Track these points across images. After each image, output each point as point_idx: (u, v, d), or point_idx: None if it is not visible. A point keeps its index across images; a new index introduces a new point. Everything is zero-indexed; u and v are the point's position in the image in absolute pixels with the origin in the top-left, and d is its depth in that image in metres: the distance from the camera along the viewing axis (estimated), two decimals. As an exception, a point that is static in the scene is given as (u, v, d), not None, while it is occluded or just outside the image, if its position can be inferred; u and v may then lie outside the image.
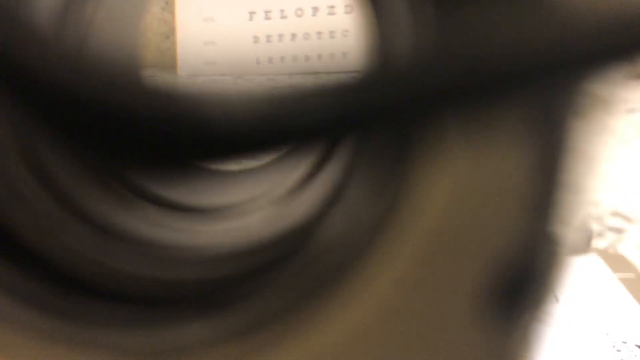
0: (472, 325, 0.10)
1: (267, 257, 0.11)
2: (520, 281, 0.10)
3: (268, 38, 0.55)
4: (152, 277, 0.11)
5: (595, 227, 0.27)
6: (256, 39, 0.55)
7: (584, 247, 0.23)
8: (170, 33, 0.59)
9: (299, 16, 0.55)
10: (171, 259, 0.12)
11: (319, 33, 0.54)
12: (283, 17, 0.55)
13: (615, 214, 0.28)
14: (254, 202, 0.15)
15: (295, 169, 0.16)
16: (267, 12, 0.55)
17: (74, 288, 0.11)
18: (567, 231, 0.10)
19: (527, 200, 0.09)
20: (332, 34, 0.54)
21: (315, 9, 0.54)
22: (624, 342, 0.19)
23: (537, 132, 0.09)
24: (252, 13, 0.55)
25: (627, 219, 0.28)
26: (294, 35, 0.55)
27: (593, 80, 0.09)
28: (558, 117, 0.09)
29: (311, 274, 0.10)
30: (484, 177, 0.09)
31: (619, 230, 0.27)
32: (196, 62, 0.56)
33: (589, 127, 0.09)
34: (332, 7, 0.54)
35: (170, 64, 0.58)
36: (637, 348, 0.19)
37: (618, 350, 0.19)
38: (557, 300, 0.20)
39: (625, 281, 0.22)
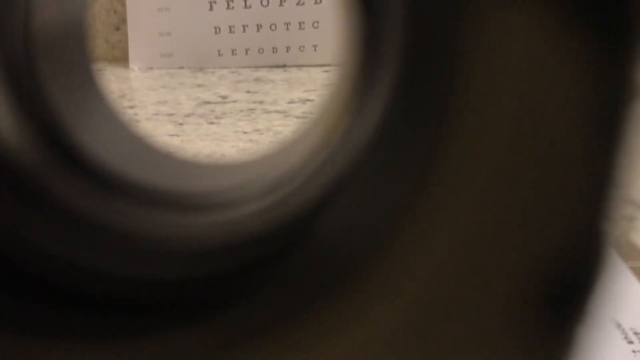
0: (513, 334, 0.09)
1: (260, 252, 0.10)
2: (570, 285, 0.09)
3: (231, 29, 0.54)
4: (130, 277, 0.10)
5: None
6: (217, 30, 0.54)
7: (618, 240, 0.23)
8: (120, 24, 0.57)
9: (264, 6, 0.53)
10: (152, 255, 0.11)
11: (287, 24, 0.53)
12: (247, 6, 0.53)
13: (628, 201, 0.28)
14: (247, 190, 0.13)
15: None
16: (228, 1, 0.53)
17: (38, 293, 0.10)
18: (613, 228, 0.09)
19: (582, 194, 0.09)
20: (301, 25, 0.53)
21: (282, -1, 0.53)
22: (636, 333, 0.19)
23: (604, 78, 0.08)
24: (212, 2, 0.53)
25: (639, 206, 0.27)
26: (259, 26, 0.53)
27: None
28: (630, 61, 0.08)
29: (312, 273, 0.09)
30: (536, 159, 0.08)
31: (631, 218, 0.26)
32: (150, 55, 0.54)
33: (636, 119, 0.08)
34: (300, -4, 0.52)
35: (121, 56, 0.57)
36: (649, 339, 0.18)
37: (630, 342, 0.18)
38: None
39: (636, 270, 0.21)
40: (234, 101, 0.45)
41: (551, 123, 0.08)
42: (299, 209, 0.10)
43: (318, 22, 0.52)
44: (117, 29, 0.58)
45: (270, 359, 0.09)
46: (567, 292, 0.09)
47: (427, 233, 0.09)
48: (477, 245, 0.09)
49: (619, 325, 0.19)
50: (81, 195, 0.12)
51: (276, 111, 0.43)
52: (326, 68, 0.50)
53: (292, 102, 0.44)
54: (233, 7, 0.53)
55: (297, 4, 0.52)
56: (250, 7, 0.53)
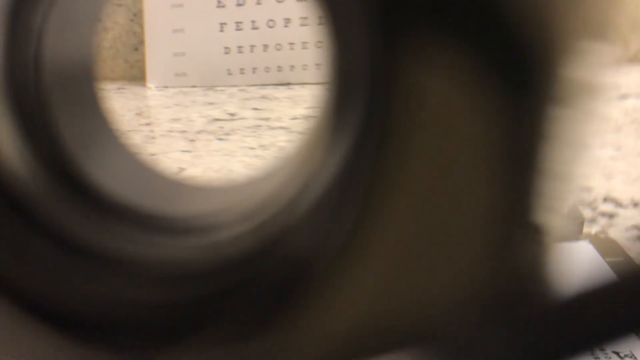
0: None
1: (236, 277, 0.11)
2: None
3: (239, 49, 0.55)
4: (106, 297, 0.11)
5: (587, 213, 0.27)
6: (227, 50, 0.55)
7: (576, 233, 0.23)
8: (139, 44, 0.59)
9: (270, 27, 0.54)
10: (131, 278, 0.11)
11: (291, 44, 0.54)
12: (254, 27, 0.54)
13: (607, 198, 0.29)
14: (226, 216, 0.14)
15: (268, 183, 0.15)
16: (238, 23, 0.54)
17: (30, 316, 0.10)
18: (556, 219, 0.09)
19: (503, 191, 0.09)
20: (304, 44, 0.54)
21: (287, 20, 0.54)
22: None
23: (510, 121, 0.09)
24: (222, 24, 0.55)
25: (618, 203, 0.28)
26: (265, 46, 0.54)
27: (576, 65, 0.09)
28: (534, 104, 0.09)
29: (281, 292, 0.10)
30: (454, 169, 0.09)
31: (610, 215, 0.27)
32: (166, 74, 0.55)
33: (574, 114, 0.09)
34: (304, 18, 0.53)
35: (139, 75, 0.58)
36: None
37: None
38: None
39: (614, 265, 0.22)
40: (242, 118, 0.46)
41: (469, 157, 0.09)
42: (273, 235, 0.11)
43: (321, 42, 0.52)
44: (136, 49, 0.59)
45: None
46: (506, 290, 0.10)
47: (373, 249, 0.10)
48: (415, 254, 0.10)
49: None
50: (77, 221, 0.12)
51: (280, 127, 0.44)
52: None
53: (295, 118, 0.45)
54: (242, 29, 0.54)
55: (301, 24, 0.54)
56: (258, 28, 0.54)
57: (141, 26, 0.57)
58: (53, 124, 0.12)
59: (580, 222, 0.23)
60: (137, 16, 0.58)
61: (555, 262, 0.10)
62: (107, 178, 0.13)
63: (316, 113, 0.13)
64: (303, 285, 0.10)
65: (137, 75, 0.58)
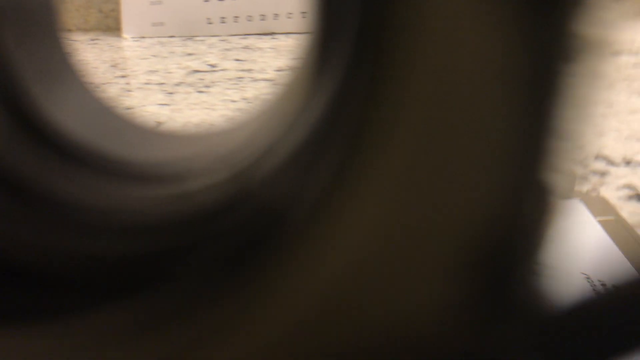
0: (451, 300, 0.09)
1: (208, 229, 0.10)
2: (512, 239, 0.09)
3: None
4: (67, 250, 0.10)
5: (579, 170, 0.28)
6: None
7: (569, 192, 0.24)
8: None
9: None
10: (95, 229, 0.10)
11: None
12: None
13: (599, 156, 0.29)
14: (198, 164, 0.13)
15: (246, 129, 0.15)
16: None
17: None
18: (558, 179, 0.09)
19: (514, 147, 0.09)
20: None
21: (270, -35, 0.52)
22: (603, 284, 0.19)
23: (526, 77, 0.08)
24: None
25: (610, 161, 0.29)
26: None
27: (585, 21, 0.08)
28: (548, 60, 0.08)
29: (259, 245, 0.09)
30: (465, 119, 0.08)
31: (602, 173, 0.27)
32: (142, 24, 0.54)
33: (581, 72, 0.09)
34: (289, -38, 0.52)
35: (114, 26, 0.57)
36: (615, 290, 0.19)
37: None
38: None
39: (605, 224, 0.22)
40: (223, 70, 0.45)
41: (480, 84, 0.08)
42: (248, 187, 0.11)
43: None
44: (110, -3, 0.57)
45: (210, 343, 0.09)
46: (508, 249, 0.09)
47: (363, 197, 0.09)
48: (410, 205, 0.09)
49: (587, 278, 0.19)
50: (33, 165, 0.11)
51: (263, 79, 0.43)
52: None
53: (279, 69, 0.44)
54: (222, -26, 0.53)
55: (286, -30, 0.52)
56: (240, -26, 0.53)
57: (116, -27, 0.55)
58: (6, 57, 0.12)
59: (573, 180, 0.23)
60: (111, -38, 0.56)
61: (557, 224, 0.09)
62: (67, 118, 0.13)
63: (299, 58, 0.12)
64: (281, 238, 0.09)
65: (112, 26, 0.57)
